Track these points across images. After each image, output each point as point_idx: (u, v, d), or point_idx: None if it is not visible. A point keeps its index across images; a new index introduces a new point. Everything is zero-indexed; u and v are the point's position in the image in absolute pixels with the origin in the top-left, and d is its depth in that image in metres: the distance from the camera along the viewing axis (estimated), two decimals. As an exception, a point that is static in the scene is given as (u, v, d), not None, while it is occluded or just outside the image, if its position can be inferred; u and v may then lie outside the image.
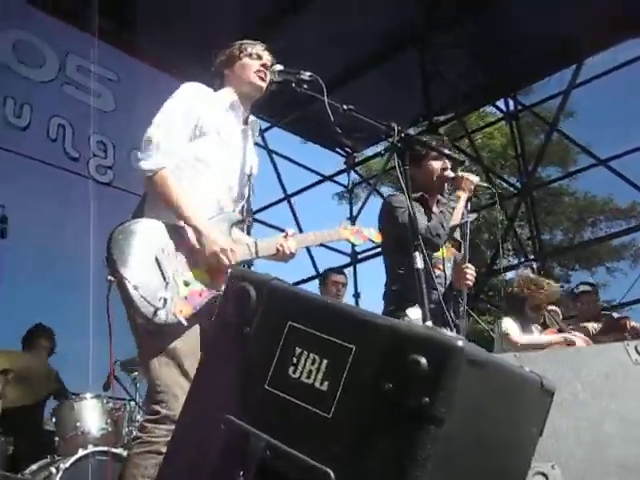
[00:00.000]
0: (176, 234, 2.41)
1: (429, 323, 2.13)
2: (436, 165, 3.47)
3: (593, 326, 5.39)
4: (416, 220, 2.36)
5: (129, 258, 2.27)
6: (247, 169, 2.78)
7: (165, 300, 2.25)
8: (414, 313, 3.03)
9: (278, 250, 2.62)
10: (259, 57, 2.78)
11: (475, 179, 3.43)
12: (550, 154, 12.08)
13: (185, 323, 2.27)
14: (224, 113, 2.71)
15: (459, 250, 3.49)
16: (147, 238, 2.35)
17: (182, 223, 2.43)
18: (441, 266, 3.41)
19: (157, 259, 2.32)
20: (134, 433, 4.32)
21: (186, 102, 2.60)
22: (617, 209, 17.20)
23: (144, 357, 2.36)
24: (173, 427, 2.08)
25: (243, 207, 2.83)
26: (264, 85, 2.76)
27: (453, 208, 3.36)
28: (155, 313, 2.21)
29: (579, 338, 4.53)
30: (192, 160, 2.55)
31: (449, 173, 3.47)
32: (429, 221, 3.34)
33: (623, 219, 16.39)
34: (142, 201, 2.56)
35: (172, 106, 2.58)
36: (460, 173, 3.43)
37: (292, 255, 2.67)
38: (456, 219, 3.35)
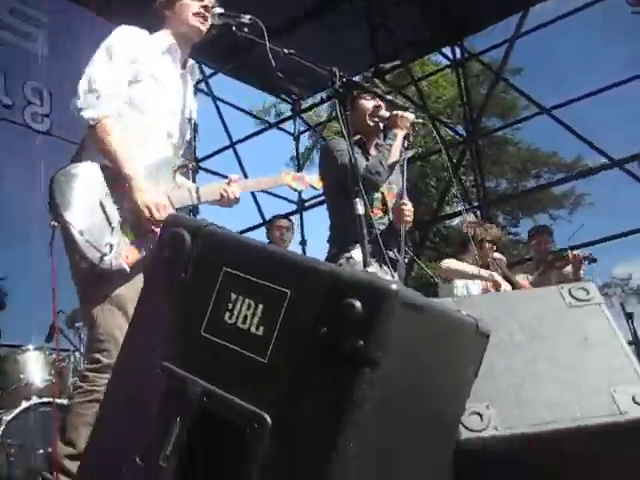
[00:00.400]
0: (117, 177, 2.36)
1: (370, 268, 2.15)
2: (368, 104, 3.50)
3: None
4: (356, 163, 2.36)
5: (73, 203, 2.21)
6: (187, 113, 2.73)
7: (111, 246, 2.21)
8: (358, 254, 3.05)
9: (222, 195, 2.62)
10: None
11: (411, 116, 3.43)
12: (495, 105, 12.18)
13: (128, 269, 2.24)
14: (160, 56, 2.64)
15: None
16: (90, 182, 2.30)
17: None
18: (383, 207, 3.46)
19: (101, 203, 2.27)
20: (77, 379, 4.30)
21: (121, 46, 2.52)
22: (561, 162, 17.56)
23: (86, 304, 2.32)
24: None
25: (186, 152, 2.79)
26: (204, 28, 2.69)
27: (390, 145, 3.38)
28: (101, 259, 2.18)
29: (505, 283, 4.66)
30: (129, 106, 2.49)
31: (384, 112, 3.48)
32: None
33: (566, 172, 16.74)
34: (80, 146, 2.50)
35: (107, 51, 2.50)
36: (395, 111, 3.44)
37: (237, 200, 2.68)
38: (394, 156, 3.38)
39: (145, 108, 2.52)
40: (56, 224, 2.20)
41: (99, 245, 2.19)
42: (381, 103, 3.49)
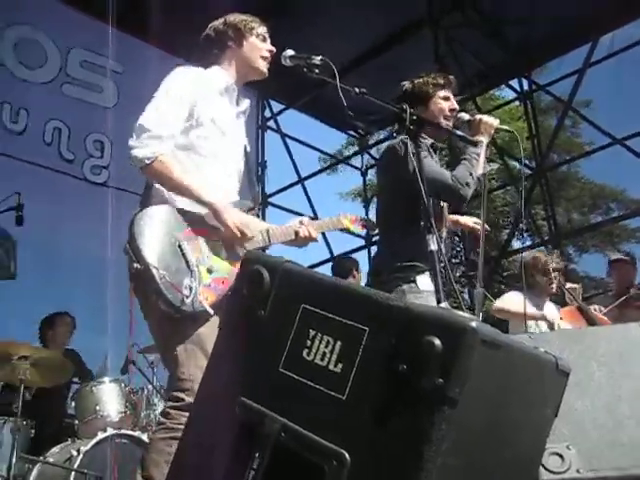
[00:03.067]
0: (192, 220, 2.40)
1: (445, 304, 2.13)
2: (444, 104, 3.17)
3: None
4: (429, 201, 2.32)
5: (153, 245, 2.24)
6: (243, 149, 2.75)
7: (191, 288, 2.24)
8: (424, 283, 2.89)
9: (297, 234, 2.62)
10: (265, 40, 2.73)
11: (495, 122, 3.04)
12: (559, 142, 11.95)
13: (211, 311, 2.25)
14: (218, 98, 2.65)
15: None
16: (167, 225, 2.33)
17: (194, 209, 2.42)
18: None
19: (180, 246, 2.30)
20: (151, 416, 4.38)
21: (179, 87, 2.54)
22: (630, 200, 17.10)
23: (167, 345, 2.33)
24: None
25: (251, 191, 2.80)
26: (266, 72, 2.74)
27: (478, 155, 3.00)
28: (183, 301, 2.19)
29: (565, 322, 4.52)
30: (190, 151, 2.51)
31: (463, 115, 3.13)
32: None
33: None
34: (147, 191, 2.52)
35: (165, 91, 2.52)
36: (477, 115, 3.11)
37: (313, 239, 2.67)
38: (481, 168, 2.99)
39: (207, 152, 2.54)
40: (138, 266, 2.21)
41: (180, 287, 2.22)
42: (456, 105, 3.17)
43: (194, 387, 2.18)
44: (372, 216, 3.39)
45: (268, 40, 2.75)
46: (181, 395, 2.23)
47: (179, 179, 2.39)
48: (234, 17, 2.76)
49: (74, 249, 6.76)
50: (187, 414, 2.15)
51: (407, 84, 3.30)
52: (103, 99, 7.77)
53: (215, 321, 2.28)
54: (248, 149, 2.79)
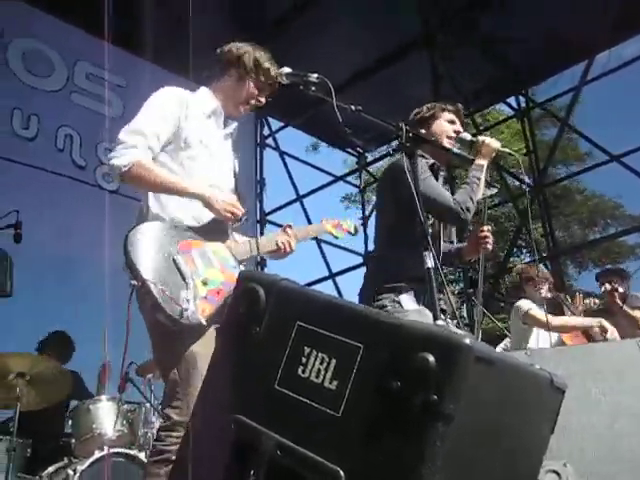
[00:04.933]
0: (184, 233, 2.41)
1: (440, 322, 2.13)
2: (447, 127, 3.17)
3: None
4: (427, 220, 2.33)
5: (149, 261, 2.25)
6: (232, 170, 2.77)
7: (188, 301, 2.25)
8: (408, 302, 2.88)
9: (278, 246, 2.66)
10: (267, 78, 2.70)
11: (496, 144, 3.02)
12: (558, 152, 12.00)
13: (205, 323, 2.26)
14: (205, 120, 2.66)
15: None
16: (160, 240, 2.34)
17: (186, 221, 2.44)
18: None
19: (174, 260, 2.31)
20: (149, 434, 4.36)
21: (161, 104, 2.56)
22: (628, 216, 17.16)
23: (164, 361, 2.34)
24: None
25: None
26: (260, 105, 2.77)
27: (479, 179, 2.98)
28: (181, 314, 2.20)
29: (612, 327, 4.45)
30: (180, 172, 2.51)
31: (465, 135, 3.13)
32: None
33: (633, 223, 16.29)
34: (140, 211, 2.54)
35: (146, 107, 2.55)
36: (480, 137, 3.09)
37: (292, 252, 2.72)
38: (481, 192, 2.98)
39: (194, 172, 2.54)
40: (135, 283, 2.20)
41: (177, 300, 2.22)
42: (460, 128, 3.16)
43: (184, 406, 2.20)
44: (371, 233, 3.40)
45: (273, 79, 2.70)
46: (170, 413, 2.24)
47: (162, 178, 2.40)
48: (245, 47, 2.76)
49: (85, 256, 6.74)
50: (175, 434, 2.17)
51: (417, 108, 3.32)
52: (110, 110, 7.81)
53: (211, 336, 2.30)
54: (237, 170, 2.80)
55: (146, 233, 2.34)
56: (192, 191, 2.42)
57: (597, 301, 5.08)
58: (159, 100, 2.59)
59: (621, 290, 5.02)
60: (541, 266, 5.13)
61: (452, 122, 3.23)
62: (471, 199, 2.92)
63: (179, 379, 2.25)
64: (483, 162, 2.99)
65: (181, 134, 2.54)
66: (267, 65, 2.72)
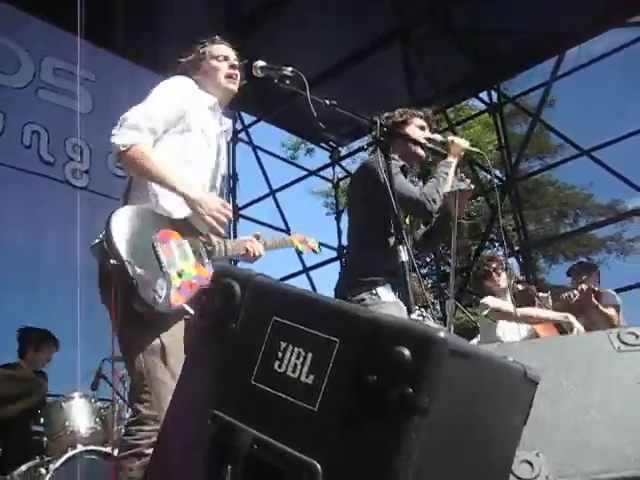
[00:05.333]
0: (165, 221, 2.41)
1: (414, 315, 2.15)
2: (419, 132, 3.31)
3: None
4: (400, 212, 2.35)
5: (129, 243, 2.23)
6: (223, 170, 2.79)
7: (162, 288, 2.24)
8: (385, 294, 3.00)
9: (247, 250, 2.70)
10: (226, 58, 2.78)
11: (465, 144, 3.24)
12: (531, 145, 12.13)
13: (191, 311, 2.26)
14: (208, 112, 2.71)
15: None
16: (142, 224, 2.33)
17: (167, 214, 2.43)
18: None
19: (154, 246, 2.30)
20: (122, 431, 4.33)
21: (171, 92, 2.60)
22: (598, 205, 17.39)
23: (132, 352, 2.31)
24: (156, 427, 2.10)
25: None
26: (235, 88, 2.78)
27: (446, 174, 3.16)
28: (155, 300, 2.19)
29: (578, 323, 4.50)
30: (176, 154, 2.54)
31: (436, 136, 3.32)
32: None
33: (603, 215, 16.49)
34: (126, 193, 2.53)
35: (155, 94, 2.58)
36: (449, 137, 3.29)
37: (260, 256, 2.77)
38: (448, 186, 3.15)
39: (191, 158, 2.57)
40: (115, 262, 2.18)
41: (153, 286, 2.21)
42: (431, 136, 3.32)
43: (152, 399, 2.19)
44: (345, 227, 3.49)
45: (231, 57, 2.77)
46: (139, 407, 2.23)
47: (155, 167, 2.40)
48: (192, 48, 2.83)
49: (54, 254, 6.67)
50: (145, 427, 2.18)
51: (389, 113, 3.43)
52: (78, 105, 7.73)
53: (180, 329, 2.30)
54: (224, 172, 2.82)
55: (130, 215, 2.33)
56: (180, 190, 2.40)
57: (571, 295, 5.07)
58: (167, 86, 2.63)
59: (595, 288, 5.09)
60: (497, 257, 5.11)
61: (422, 128, 3.37)
62: (437, 192, 3.08)
63: (145, 371, 2.24)
64: (452, 160, 3.18)
65: (185, 118, 2.57)
66: (212, 46, 2.79)
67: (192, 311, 2.25)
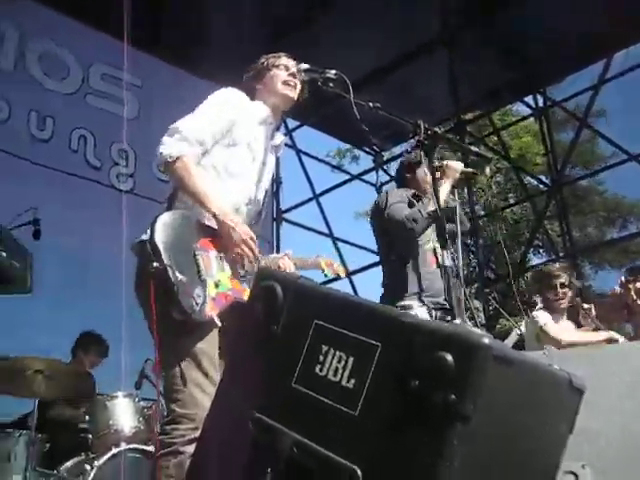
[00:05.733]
0: (207, 232, 2.42)
1: (457, 320, 2.13)
2: (427, 175, 3.52)
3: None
4: (443, 218, 2.34)
5: (172, 249, 2.25)
6: (266, 184, 2.79)
7: (200, 296, 2.25)
8: (415, 304, 3.26)
9: (280, 268, 2.72)
10: (287, 68, 2.78)
11: (459, 166, 3.45)
12: (578, 154, 11.93)
13: (219, 323, 2.27)
14: (257, 127, 2.71)
15: None
16: (185, 231, 2.35)
17: (209, 222, 2.43)
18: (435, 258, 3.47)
19: (194, 254, 2.32)
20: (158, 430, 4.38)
21: (221, 104, 2.61)
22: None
23: (167, 354, 2.32)
24: (190, 426, 2.14)
25: (258, 223, 2.82)
26: (294, 95, 2.78)
27: (435, 195, 3.25)
28: (193, 309, 2.20)
29: (622, 338, 4.37)
30: (220, 167, 2.55)
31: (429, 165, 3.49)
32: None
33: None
34: (171, 196, 2.54)
35: (206, 105, 2.60)
36: (444, 161, 3.46)
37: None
38: (433, 204, 3.17)
39: (234, 172, 2.58)
40: (158, 265, 2.19)
41: (192, 294, 2.23)
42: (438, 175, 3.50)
43: (186, 399, 2.21)
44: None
45: (291, 67, 2.78)
46: (173, 406, 2.25)
47: (197, 184, 2.41)
48: (260, 60, 2.86)
49: (100, 257, 6.79)
50: (180, 426, 2.19)
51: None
52: (125, 111, 7.88)
53: (213, 337, 2.31)
54: (267, 187, 2.82)
55: (174, 221, 2.35)
56: (214, 211, 2.40)
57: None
58: (219, 98, 2.64)
59: None
60: (564, 268, 4.85)
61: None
62: (420, 212, 3.39)
63: (179, 373, 2.26)
64: (443, 181, 3.38)
65: (232, 131, 2.58)
66: (273, 57, 2.83)
67: (219, 323, 2.26)
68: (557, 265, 4.99)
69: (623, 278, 4.78)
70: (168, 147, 2.42)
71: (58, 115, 7.46)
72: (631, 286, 4.66)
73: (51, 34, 7.55)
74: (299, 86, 2.76)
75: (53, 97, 7.51)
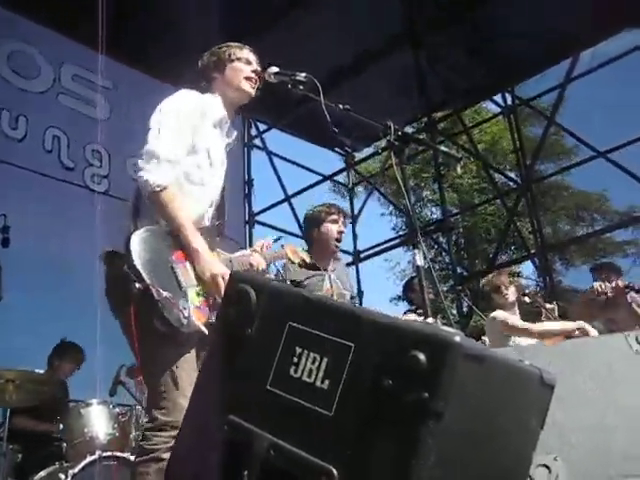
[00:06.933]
0: (177, 244, 2.41)
1: (430, 320, 2.15)
2: (333, 230, 3.71)
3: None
4: (415, 216, 2.36)
5: (150, 266, 2.26)
6: (222, 182, 2.78)
7: (185, 308, 2.26)
8: None
9: (252, 265, 2.72)
10: (248, 62, 2.76)
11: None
12: (546, 148, 12.06)
13: (206, 331, 2.27)
14: (212, 129, 2.68)
15: None
16: (160, 247, 2.35)
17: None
18: None
19: (172, 268, 2.33)
20: (139, 437, 4.35)
21: (187, 113, 2.57)
22: (613, 211, 17.26)
23: (151, 365, 2.33)
24: (173, 433, 2.13)
25: (220, 223, 2.81)
26: (253, 92, 2.76)
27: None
28: (180, 321, 2.22)
29: (593, 329, 4.46)
30: (182, 178, 2.52)
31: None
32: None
33: (619, 219, 16.35)
34: (136, 208, 2.52)
35: (167, 117, 2.54)
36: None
37: (264, 272, 2.85)
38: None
39: (197, 180, 2.57)
40: (140, 286, 2.20)
41: (178, 307, 2.23)
42: (344, 228, 3.76)
43: (169, 406, 2.21)
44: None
45: (253, 62, 2.77)
46: (156, 413, 2.25)
47: (181, 217, 2.39)
48: (216, 48, 2.81)
49: (75, 258, 6.70)
50: (162, 434, 2.21)
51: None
52: (96, 112, 7.82)
53: (194, 343, 2.32)
54: (223, 185, 2.80)
55: (147, 238, 2.34)
56: (192, 245, 2.38)
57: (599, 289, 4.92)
58: (177, 105, 2.59)
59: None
60: (504, 271, 5.11)
61: (335, 222, 3.76)
62: None
63: (163, 382, 2.26)
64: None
65: (193, 139, 2.56)
66: (236, 47, 2.78)
67: (207, 332, 2.26)
68: (493, 273, 5.23)
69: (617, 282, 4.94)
70: (151, 175, 2.37)
71: (31, 113, 7.39)
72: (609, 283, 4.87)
73: (20, 35, 7.49)
74: (259, 83, 2.75)
75: (25, 95, 7.44)
